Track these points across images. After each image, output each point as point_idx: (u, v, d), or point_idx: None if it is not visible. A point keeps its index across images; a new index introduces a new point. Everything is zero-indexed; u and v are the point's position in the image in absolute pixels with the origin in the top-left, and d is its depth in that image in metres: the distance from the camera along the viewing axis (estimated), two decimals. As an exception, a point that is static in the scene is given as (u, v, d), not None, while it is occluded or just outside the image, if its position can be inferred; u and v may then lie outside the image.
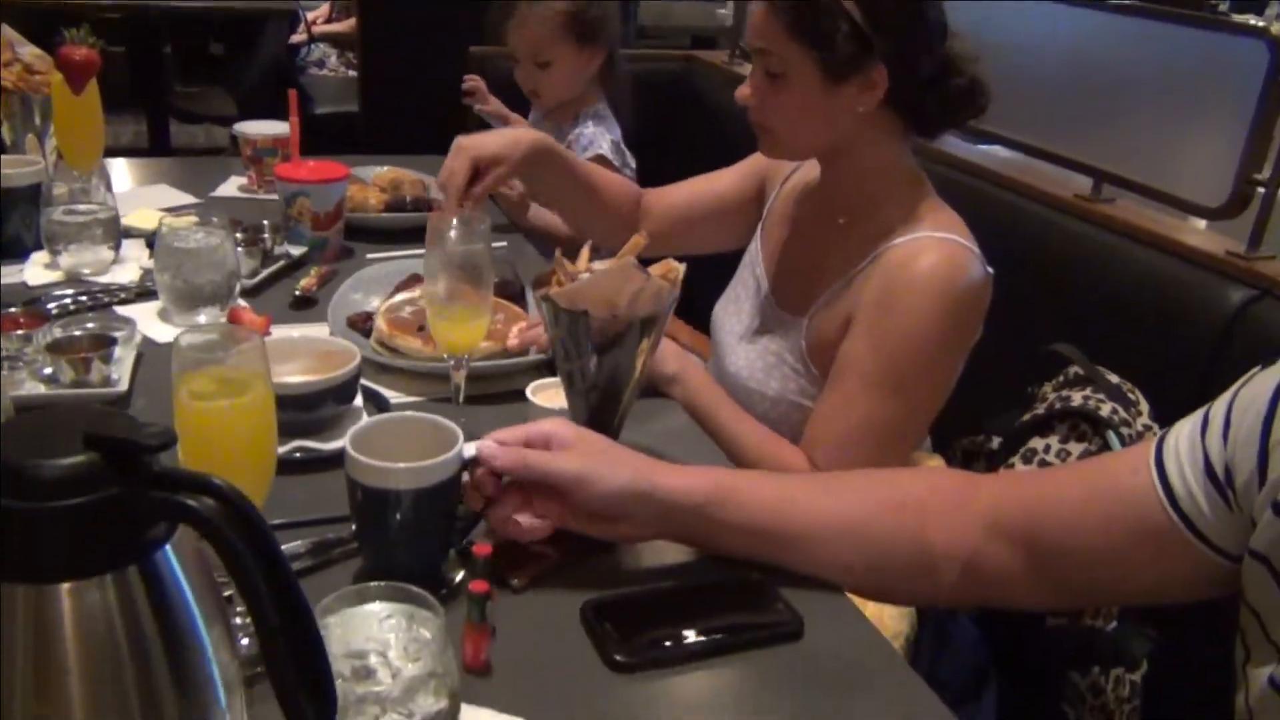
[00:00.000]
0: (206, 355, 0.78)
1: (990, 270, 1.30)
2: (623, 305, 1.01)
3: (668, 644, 0.88)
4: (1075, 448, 1.28)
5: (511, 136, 1.47)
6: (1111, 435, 1.25)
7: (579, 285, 1.01)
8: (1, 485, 0.51)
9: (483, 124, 2.37)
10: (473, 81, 2.25)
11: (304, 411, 1.10)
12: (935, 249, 1.26)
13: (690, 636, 0.89)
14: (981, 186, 1.61)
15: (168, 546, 0.56)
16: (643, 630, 0.89)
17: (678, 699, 0.86)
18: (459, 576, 0.94)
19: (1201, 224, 1.59)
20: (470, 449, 0.93)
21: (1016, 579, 0.92)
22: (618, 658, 0.86)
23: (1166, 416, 1.28)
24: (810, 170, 1.46)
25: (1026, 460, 1.31)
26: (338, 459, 0.92)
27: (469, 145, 1.41)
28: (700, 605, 0.94)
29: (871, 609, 1.14)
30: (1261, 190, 1.36)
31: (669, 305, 1.04)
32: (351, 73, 4.46)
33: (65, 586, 0.53)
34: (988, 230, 1.32)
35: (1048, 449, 1.30)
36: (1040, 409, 1.35)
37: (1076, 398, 1.30)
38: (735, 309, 1.51)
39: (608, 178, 1.63)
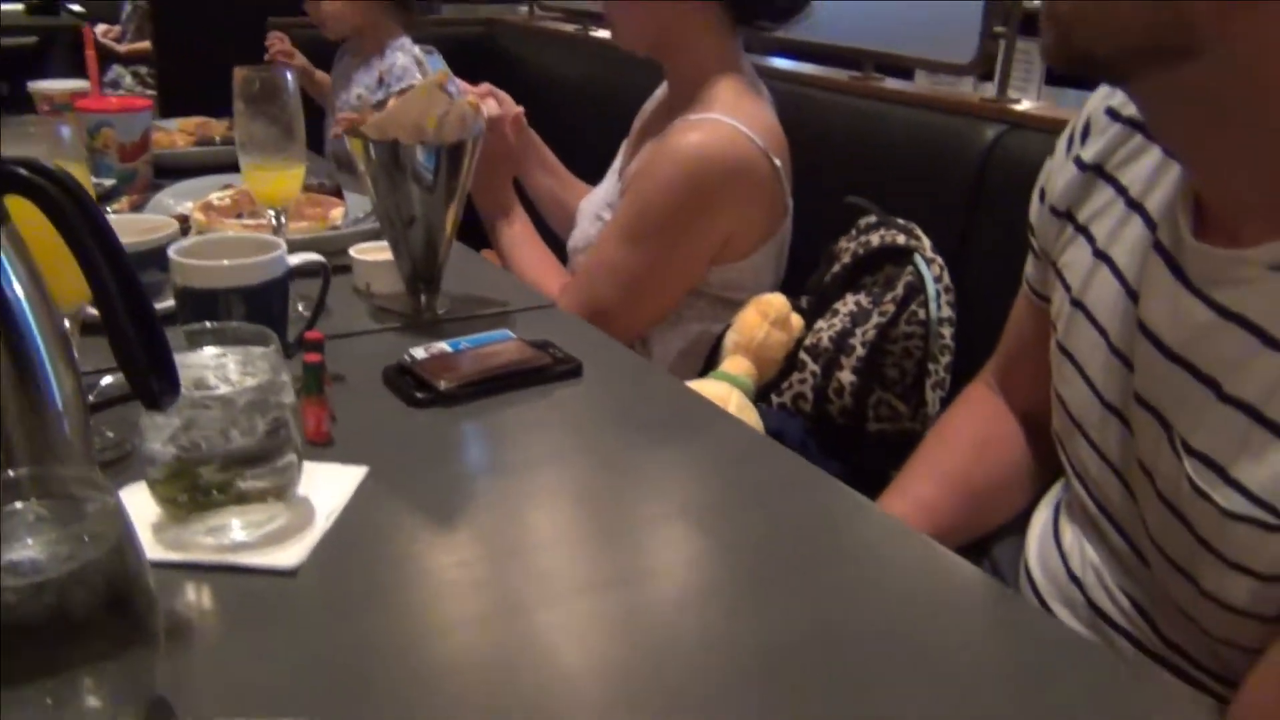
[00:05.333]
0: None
1: (777, 161, 1.42)
2: (431, 130, 1.07)
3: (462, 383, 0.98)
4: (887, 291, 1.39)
5: None
6: (918, 258, 1.37)
7: (386, 113, 1.07)
8: None
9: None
10: (278, 40, 2.29)
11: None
12: (705, 129, 1.39)
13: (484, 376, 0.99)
14: (774, 84, 1.74)
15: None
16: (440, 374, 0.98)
17: (484, 427, 0.96)
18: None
19: (968, 87, 1.76)
20: (295, 259, 0.97)
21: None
22: (418, 395, 0.96)
23: (943, 248, 1.42)
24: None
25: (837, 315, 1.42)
26: (167, 319, 0.93)
27: None
28: (491, 356, 1.03)
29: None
30: (1003, 42, 1.53)
31: (476, 131, 1.10)
32: (149, 92, 4.36)
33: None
34: (783, 121, 1.47)
35: (857, 302, 1.40)
36: (842, 263, 1.46)
37: (874, 239, 1.42)
38: (596, 197, 1.66)
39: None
